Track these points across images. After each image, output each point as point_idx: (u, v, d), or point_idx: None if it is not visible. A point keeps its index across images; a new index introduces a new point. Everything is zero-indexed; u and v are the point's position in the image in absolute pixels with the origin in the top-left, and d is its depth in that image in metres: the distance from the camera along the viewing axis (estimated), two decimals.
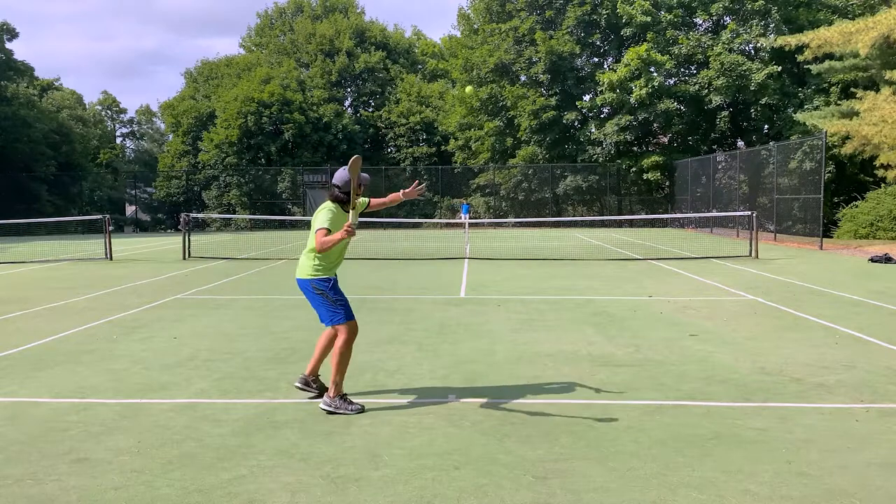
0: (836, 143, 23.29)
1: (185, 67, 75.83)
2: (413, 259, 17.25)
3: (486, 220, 31.05)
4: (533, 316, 8.67)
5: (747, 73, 31.34)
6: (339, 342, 4.92)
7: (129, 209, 49.73)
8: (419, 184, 5.72)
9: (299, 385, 5.21)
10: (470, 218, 32.59)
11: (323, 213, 4.94)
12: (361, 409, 4.86)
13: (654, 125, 35.09)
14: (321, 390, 5.14)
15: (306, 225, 37.89)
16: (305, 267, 5.01)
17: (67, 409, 5.00)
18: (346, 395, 4.94)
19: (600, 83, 34.56)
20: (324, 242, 4.78)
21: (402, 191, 5.61)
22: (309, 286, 4.99)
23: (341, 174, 5.04)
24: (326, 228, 4.82)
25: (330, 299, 4.94)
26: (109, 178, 51.20)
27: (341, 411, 4.80)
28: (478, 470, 3.81)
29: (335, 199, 5.03)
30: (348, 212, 4.92)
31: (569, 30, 36.77)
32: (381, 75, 46.02)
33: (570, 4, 36.84)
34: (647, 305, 9.47)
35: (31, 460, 4.02)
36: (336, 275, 5.10)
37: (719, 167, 30.13)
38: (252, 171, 41.53)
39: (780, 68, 31.07)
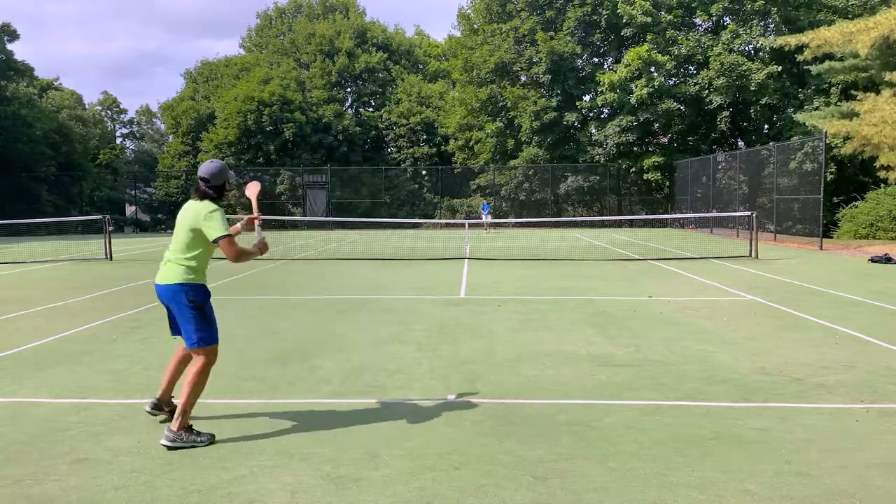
0: (836, 144, 23.30)
1: (184, 68, 75.82)
2: (413, 259, 17.25)
3: (485, 220, 31.05)
4: (533, 316, 8.67)
5: (747, 73, 31.35)
6: (197, 366, 4.34)
7: (129, 209, 49.72)
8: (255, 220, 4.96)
9: (149, 409, 4.69)
10: (489, 217, 32.34)
11: (218, 215, 4.35)
12: (211, 439, 4.31)
13: (655, 125, 35.10)
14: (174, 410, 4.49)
15: (306, 225, 38.03)
16: (176, 271, 4.38)
17: (67, 409, 5.00)
18: (191, 426, 4.33)
19: (601, 83, 34.58)
20: (243, 253, 4.36)
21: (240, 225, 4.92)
22: (183, 296, 4.34)
23: (211, 167, 4.51)
24: (231, 235, 4.36)
25: (205, 316, 4.37)
26: (109, 178, 51.20)
27: (188, 445, 4.21)
28: (478, 470, 3.81)
29: (204, 196, 4.46)
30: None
31: (569, 30, 36.77)
32: (381, 75, 46.04)
33: (570, 5, 36.85)
34: (647, 305, 9.47)
35: (31, 460, 4.02)
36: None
37: (719, 167, 30.14)
38: (251, 171, 41.50)
39: (780, 68, 31.09)
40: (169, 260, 4.47)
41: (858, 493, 3.49)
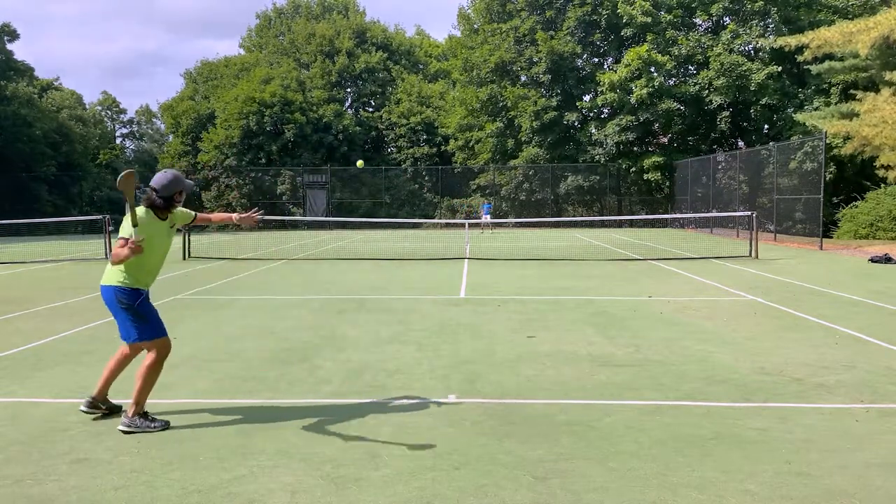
0: (836, 144, 23.31)
1: (184, 68, 75.78)
2: (413, 259, 17.25)
3: (486, 220, 31.03)
4: (533, 316, 8.67)
5: (747, 73, 31.36)
6: (150, 360, 4.53)
7: None
8: (257, 211, 5.40)
9: (84, 409, 4.75)
10: (489, 217, 32.19)
11: (126, 219, 4.46)
12: (166, 425, 4.53)
13: (655, 125, 35.12)
14: (112, 409, 4.81)
15: (307, 225, 38.03)
16: (112, 273, 4.54)
17: (67, 409, 5.00)
18: (147, 412, 4.57)
19: (601, 83, 34.59)
20: (115, 255, 4.34)
21: (236, 214, 5.26)
22: (113, 297, 4.52)
23: (162, 177, 4.60)
24: (125, 238, 4.35)
25: (138, 315, 4.52)
26: (109, 178, 51.17)
27: (142, 430, 4.46)
28: (478, 470, 3.81)
29: (150, 205, 4.59)
30: (166, 218, 4.64)
31: (569, 30, 36.78)
32: (381, 75, 46.05)
33: (570, 4, 36.88)
34: (647, 305, 9.47)
35: (31, 460, 4.02)
36: (148, 288, 4.67)
37: (719, 167, 30.15)
38: (252, 172, 41.52)
39: (780, 69, 31.10)
40: None
41: (858, 493, 3.49)
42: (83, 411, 4.78)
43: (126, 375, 5.03)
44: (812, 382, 5.51)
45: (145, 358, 4.59)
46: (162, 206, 4.61)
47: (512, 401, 5.09)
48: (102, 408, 4.81)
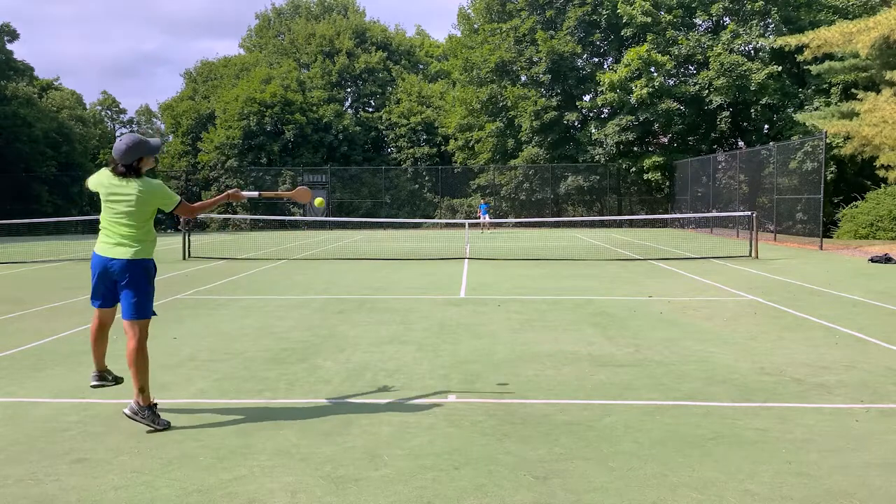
0: (837, 144, 23.32)
1: (184, 68, 75.74)
2: (413, 259, 17.25)
3: (486, 220, 31.04)
4: (533, 316, 8.67)
5: (747, 73, 31.37)
6: (134, 343, 4.51)
7: None
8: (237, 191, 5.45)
9: (95, 382, 4.82)
10: (489, 217, 32.17)
11: (164, 188, 4.71)
12: (167, 426, 4.49)
13: (655, 125, 35.12)
14: (117, 380, 4.91)
15: (307, 225, 38.02)
16: (139, 245, 4.57)
17: (67, 409, 5.00)
18: (156, 405, 4.57)
19: (601, 83, 34.59)
20: (200, 207, 4.94)
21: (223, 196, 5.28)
22: (143, 270, 4.58)
23: (118, 145, 4.56)
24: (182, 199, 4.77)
25: (153, 289, 4.68)
26: None
27: (144, 422, 4.45)
28: (478, 470, 3.81)
29: (122, 174, 4.55)
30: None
31: (569, 30, 36.79)
32: (381, 75, 46.05)
33: (570, 4, 36.88)
34: (647, 305, 9.47)
35: (31, 460, 4.02)
36: None
37: (719, 167, 30.15)
38: (253, 172, 41.52)
39: (780, 68, 31.10)
40: (121, 234, 4.59)
41: (858, 493, 3.49)
42: (94, 386, 4.86)
43: (126, 378, 5.04)
44: (812, 382, 5.51)
45: (128, 345, 4.54)
46: (124, 173, 4.53)
47: (512, 401, 5.09)
48: (109, 378, 4.88)
